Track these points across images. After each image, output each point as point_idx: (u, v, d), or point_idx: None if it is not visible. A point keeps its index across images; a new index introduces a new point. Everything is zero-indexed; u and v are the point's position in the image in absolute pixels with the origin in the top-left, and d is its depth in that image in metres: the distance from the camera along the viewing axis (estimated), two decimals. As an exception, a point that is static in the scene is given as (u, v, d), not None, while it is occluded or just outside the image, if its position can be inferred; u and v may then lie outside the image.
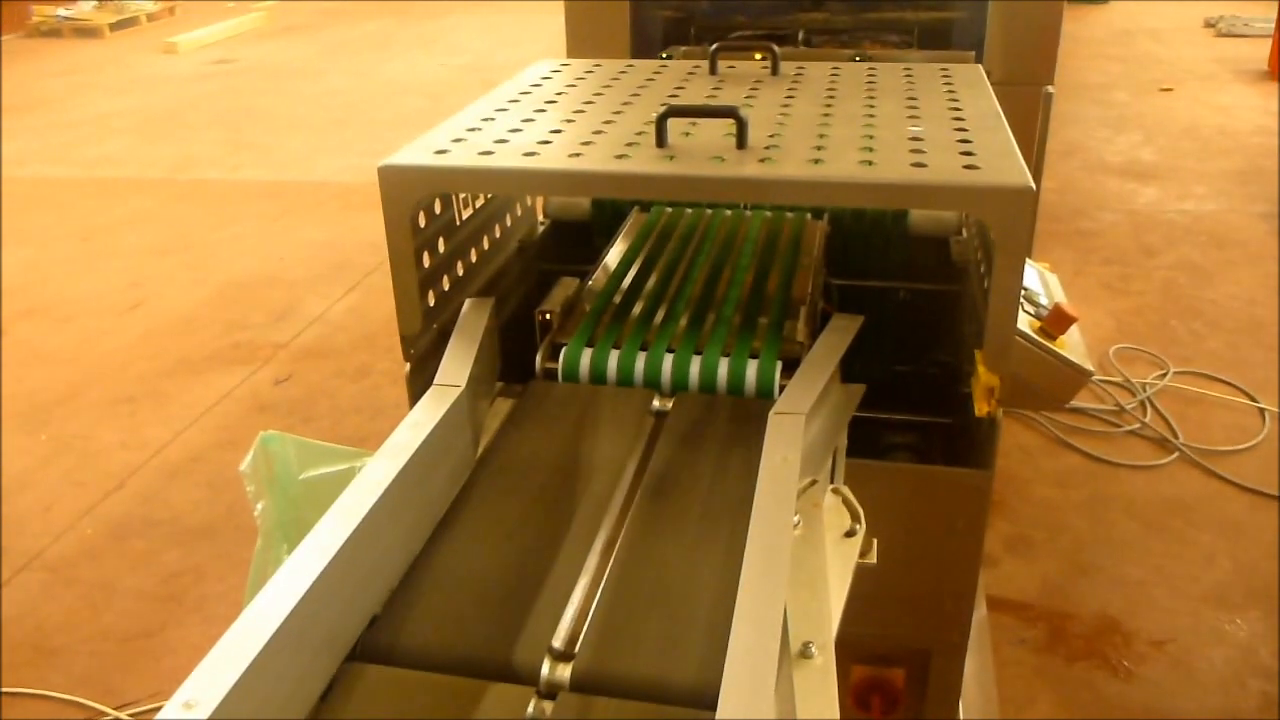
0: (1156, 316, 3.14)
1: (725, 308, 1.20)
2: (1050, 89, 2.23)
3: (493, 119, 1.24)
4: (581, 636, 0.79)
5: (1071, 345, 1.44)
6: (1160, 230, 3.79)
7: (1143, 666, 1.90)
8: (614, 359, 1.12)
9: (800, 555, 0.78)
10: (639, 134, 1.14)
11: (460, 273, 1.29)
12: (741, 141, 1.08)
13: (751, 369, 1.07)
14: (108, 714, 1.78)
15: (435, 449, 0.87)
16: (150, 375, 2.98)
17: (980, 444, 1.09)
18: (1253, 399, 2.69)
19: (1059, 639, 1.97)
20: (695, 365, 1.09)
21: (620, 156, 1.07)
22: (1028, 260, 1.71)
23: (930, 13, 2.26)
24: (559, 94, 1.36)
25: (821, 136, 1.11)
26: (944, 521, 1.13)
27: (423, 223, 1.18)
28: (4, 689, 1.86)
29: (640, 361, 1.10)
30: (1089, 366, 1.41)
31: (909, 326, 1.58)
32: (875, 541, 0.84)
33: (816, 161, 1.03)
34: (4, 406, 2.81)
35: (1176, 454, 2.48)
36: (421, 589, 0.84)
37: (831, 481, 0.91)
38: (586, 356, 1.12)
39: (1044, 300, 1.48)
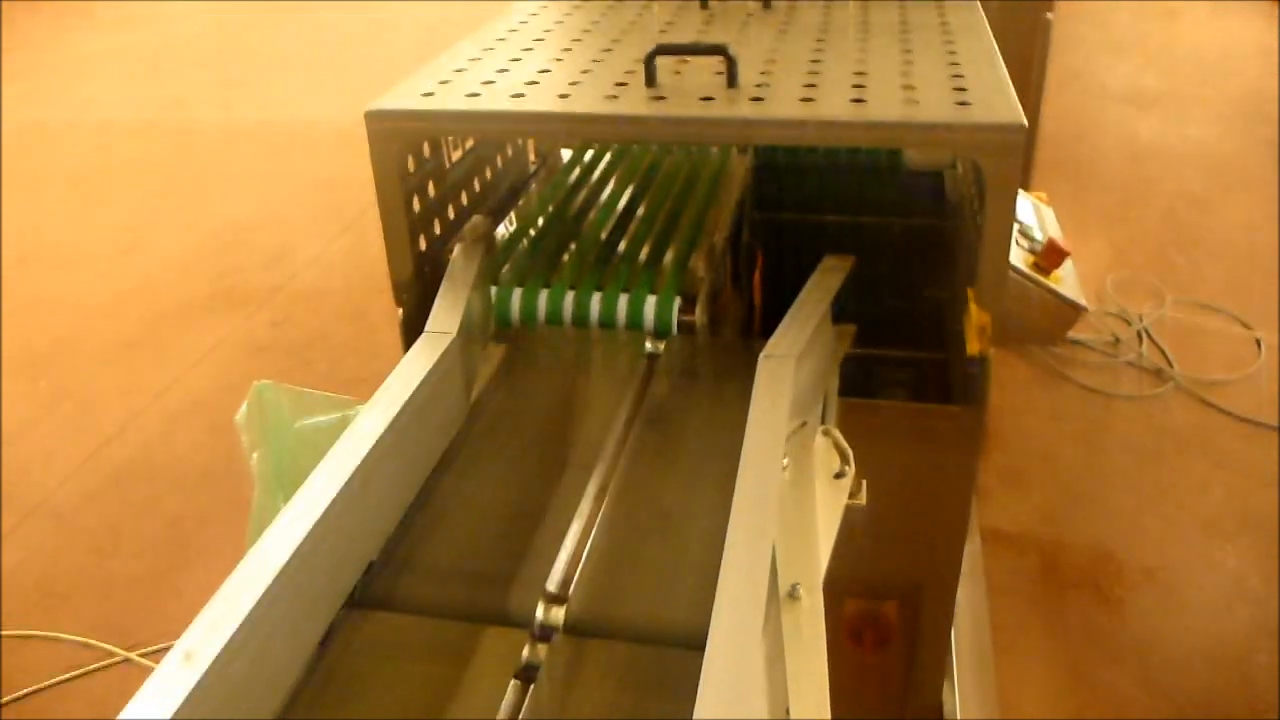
0: (1155, 245, 3.13)
1: (634, 245, 1.20)
2: (1050, 15, 2.20)
3: (479, 59, 1.22)
4: (575, 580, 0.80)
5: (1065, 279, 1.44)
6: (1161, 157, 3.76)
7: (1134, 595, 1.93)
8: (516, 296, 1.11)
9: (789, 498, 0.79)
10: (629, 72, 1.13)
11: (452, 216, 1.29)
12: (732, 80, 1.07)
13: (650, 305, 1.08)
14: (118, 655, 1.82)
15: (427, 396, 0.88)
16: (147, 320, 2.98)
17: (972, 382, 1.10)
18: (1248, 327, 2.69)
19: (1052, 569, 2.00)
20: (595, 301, 1.09)
21: (610, 98, 1.06)
22: (1022, 192, 1.70)
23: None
24: (546, 31, 1.34)
25: (813, 74, 1.10)
26: (935, 459, 1.14)
27: (411, 167, 1.17)
28: (15, 632, 1.89)
29: (542, 299, 1.10)
30: (1082, 301, 1.42)
31: (903, 261, 1.58)
32: (864, 482, 0.85)
33: (807, 100, 1.02)
34: (3, 355, 2.82)
35: (1171, 384, 2.49)
36: (418, 535, 0.85)
37: (822, 423, 0.92)
38: (516, 298, 1.12)
39: (1038, 235, 1.48)
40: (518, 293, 1.12)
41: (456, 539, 0.85)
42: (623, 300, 1.09)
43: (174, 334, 2.91)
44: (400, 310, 1.16)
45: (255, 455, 0.87)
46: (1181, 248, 3.10)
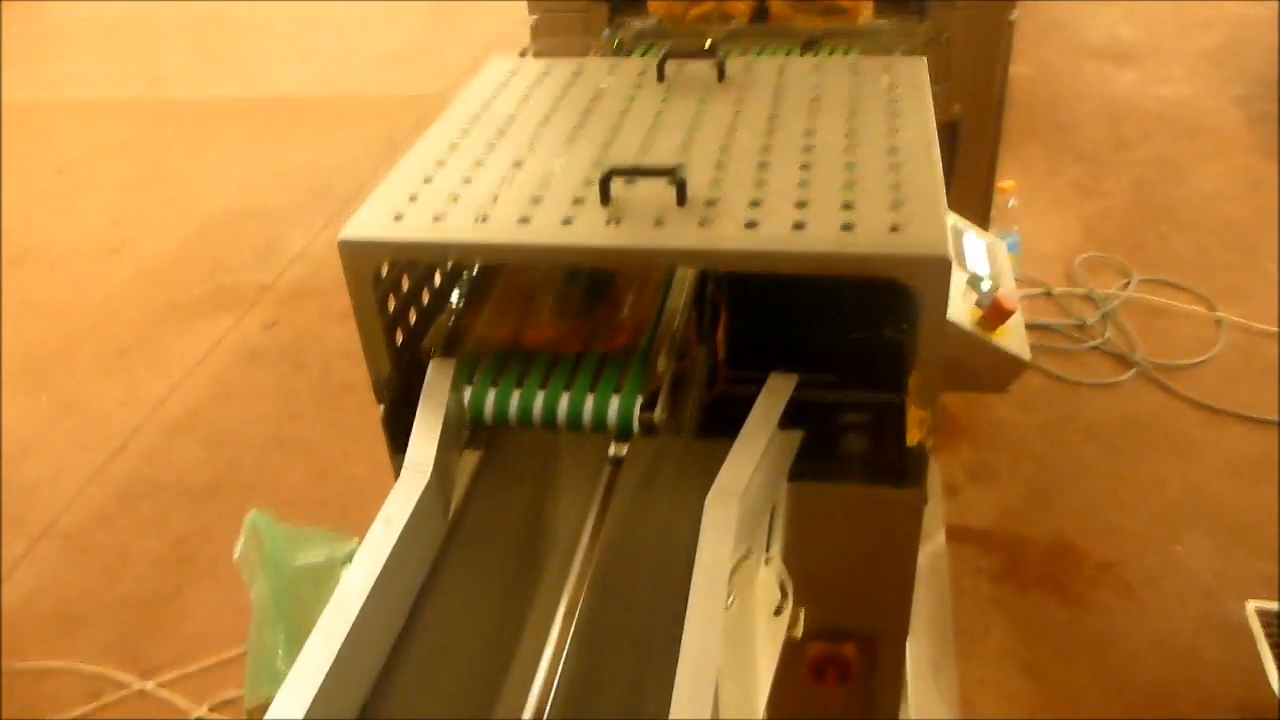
0: (1125, 219, 3.19)
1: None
2: (1013, 16, 2.23)
3: (445, 162, 1.28)
4: (548, 709, 0.90)
5: (1012, 330, 1.51)
6: (1135, 119, 3.79)
7: (1093, 591, 2.05)
8: (490, 397, 1.19)
9: (732, 636, 0.89)
10: (587, 183, 1.19)
11: (425, 300, 1.36)
12: (681, 199, 1.13)
13: (613, 406, 1.15)
14: (133, 685, 1.93)
15: (411, 538, 0.97)
16: (141, 324, 3.05)
17: (912, 466, 1.19)
18: (1212, 308, 2.77)
19: (1015, 567, 2.11)
20: (564, 401, 1.17)
21: (567, 221, 1.12)
22: (975, 230, 1.77)
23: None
24: (511, 118, 1.39)
25: (760, 185, 1.17)
26: (880, 532, 1.23)
27: (384, 272, 1.24)
28: (36, 664, 2.01)
29: (514, 399, 1.18)
30: (1026, 356, 1.49)
31: (861, 301, 1.65)
32: (802, 612, 0.94)
33: (751, 226, 1.08)
34: (4, 365, 2.89)
35: (1135, 370, 2.58)
36: (401, 670, 0.95)
37: (769, 543, 1.01)
38: (466, 394, 1.19)
39: (986, 286, 1.54)
40: (491, 394, 1.20)
41: (437, 669, 0.95)
42: (588, 401, 1.17)
43: (168, 338, 2.98)
44: (380, 405, 1.24)
45: (254, 591, 0.96)
46: (1151, 222, 3.17)
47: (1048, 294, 2.88)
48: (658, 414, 1.17)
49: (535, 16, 2.17)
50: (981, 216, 2.30)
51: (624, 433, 1.16)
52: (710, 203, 1.14)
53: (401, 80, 4.75)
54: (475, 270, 1.39)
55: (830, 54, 1.70)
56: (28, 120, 4.58)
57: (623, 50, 1.85)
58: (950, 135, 2.22)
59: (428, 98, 4.50)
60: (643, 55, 1.80)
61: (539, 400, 1.19)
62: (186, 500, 2.40)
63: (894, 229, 1.07)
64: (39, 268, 3.41)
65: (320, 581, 0.93)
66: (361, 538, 1.00)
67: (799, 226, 1.08)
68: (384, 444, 1.21)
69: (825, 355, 1.36)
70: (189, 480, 2.46)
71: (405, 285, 1.29)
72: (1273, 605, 1.94)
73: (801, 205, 1.12)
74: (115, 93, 4.88)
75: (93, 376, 2.84)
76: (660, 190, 1.16)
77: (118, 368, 2.88)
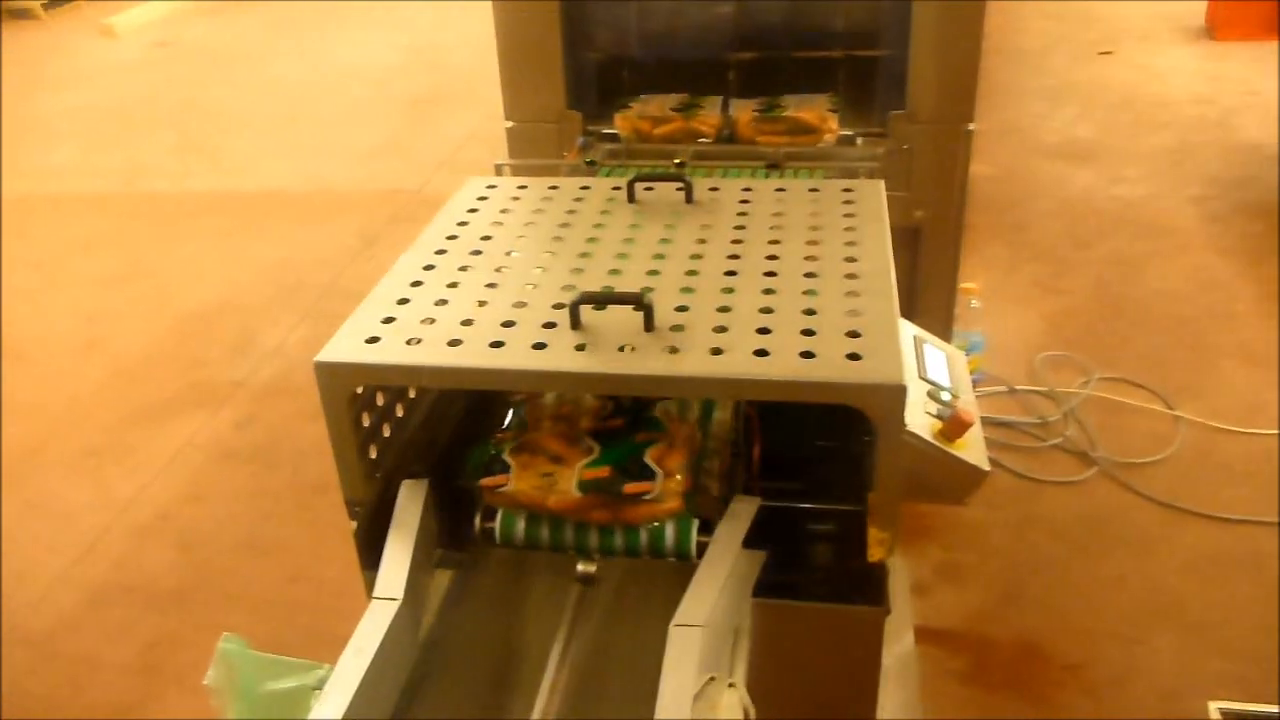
0: (1084, 318, 3.28)
1: None
2: (971, 126, 2.33)
3: (422, 283, 1.33)
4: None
5: (971, 442, 1.56)
6: (1092, 220, 3.91)
7: (1059, 693, 2.07)
8: (546, 524, 1.22)
9: (698, 764, 0.90)
10: (557, 307, 1.24)
11: (400, 414, 1.39)
12: (649, 325, 1.18)
13: (670, 532, 1.19)
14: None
15: (381, 667, 0.98)
16: (112, 424, 3.05)
17: (874, 584, 1.22)
18: (1170, 407, 2.84)
19: (983, 668, 2.13)
20: (619, 531, 1.20)
21: (538, 346, 1.16)
22: (934, 341, 1.82)
23: (854, 51, 2.35)
24: (485, 239, 1.44)
25: (724, 311, 1.21)
26: (842, 648, 1.26)
27: (360, 391, 1.27)
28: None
29: (570, 528, 1.21)
30: (985, 467, 1.53)
31: (826, 416, 1.69)
32: (765, 738, 0.96)
33: (717, 353, 1.13)
34: (-29, 464, 2.88)
35: (1096, 469, 2.63)
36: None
37: (732, 666, 1.04)
38: (520, 523, 1.23)
39: (946, 396, 1.59)
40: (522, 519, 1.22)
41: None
42: (643, 531, 1.20)
43: (139, 438, 2.98)
44: (354, 522, 1.26)
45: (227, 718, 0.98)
46: (1109, 320, 3.25)
47: (1011, 391, 2.94)
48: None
49: (511, 123, 2.25)
50: (945, 318, 2.37)
51: (683, 556, 1.18)
52: (677, 328, 1.18)
53: (378, 175, 4.84)
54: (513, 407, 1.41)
55: (795, 175, 1.76)
56: (7, 213, 4.61)
57: (596, 167, 1.91)
58: (913, 240, 2.29)
59: (404, 192, 4.59)
60: (610, 175, 1.86)
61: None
62: (155, 605, 2.38)
63: (852, 357, 1.11)
64: (11, 364, 3.41)
65: (291, 708, 0.94)
66: (333, 663, 1.02)
67: (762, 354, 1.12)
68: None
69: (792, 466, 1.40)
70: (158, 584, 2.44)
71: (380, 401, 1.33)
72: (1234, 705, 1.96)
73: (765, 332, 1.17)
74: (95, 185, 4.94)
75: (62, 476, 2.84)
76: (629, 316, 1.21)
77: (88, 468, 2.87)
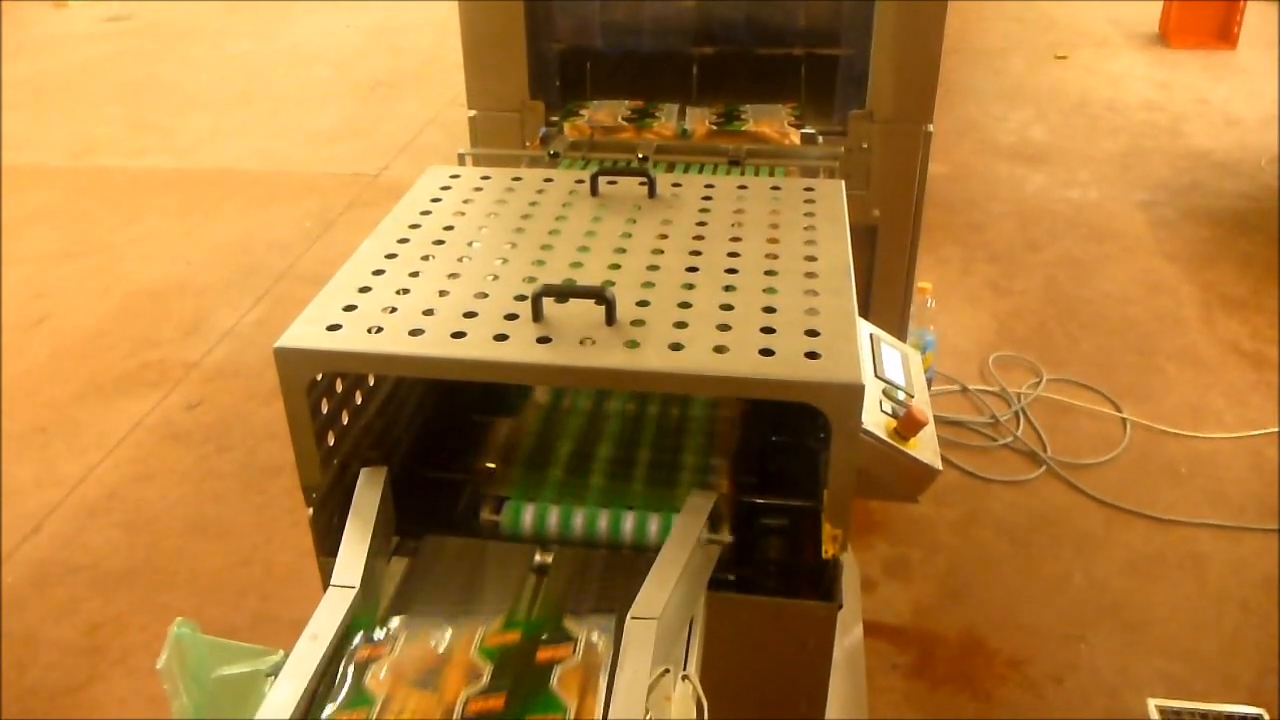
0: (1035, 319, 3.33)
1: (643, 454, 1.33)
2: (930, 128, 2.36)
3: (384, 270, 1.32)
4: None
5: (924, 441, 1.59)
6: (1045, 222, 3.98)
7: (1001, 688, 2.11)
8: (554, 515, 1.24)
9: (651, 755, 0.92)
10: (519, 299, 1.24)
11: (359, 400, 1.39)
12: (610, 319, 1.19)
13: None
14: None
15: (332, 656, 0.98)
16: (61, 401, 3.01)
17: (827, 579, 1.24)
18: (1117, 409, 2.90)
19: (928, 663, 2.17)
20: (629, 521, 1.22)
21: (499, 337, 1.17)
22: (890, 340, 1.85)
23: (816, 49, 2.37)
24: (447, 229, 1.44)
25: (685, 307, 1.22)
26: (795, 642, 1.28)
27: (319, 377, 1.26)
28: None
29: (579, 517, 1.23)
30: (938, 466, 1.56)
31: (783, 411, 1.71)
32: (718, 731, 0.98)
33: (676, 348, 1.14)
34: (-88, 440, 2.82)
35: (1044, 468, 2.69)
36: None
37: (686, 659, 1.05)
38: (529, 512, 1.24)
39: (902, 396, 1.62)
40: (554, 511, 1.24)
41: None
42: (652, 522, 1.22)
43: (89, 417, 2.94)
44: (310, 509, 1.26)
45: (175, 704, 0.97)
46: (1060, 321, 3.31)
47: (963, 390, 2.99)
48: (724, 537, 1.21)
49: (474, 112, 2.24)
50: (901, 316, 2.40)
51: None
52: (637, 323, 1.19)
53: (336, 158, 4.79)
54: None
55: (755, 173, 1.78)
56: (-48, 185, 4.52)
57: (558, 159, 1.91)
58: (870, 239, 2.32)
59: (363, 177, 4.55)
60: (572, 167, 1.86)
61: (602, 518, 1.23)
62: (100, 586, 2.35)
63: (811, 355, 1.13)
64: (-44, 339, 3.34)
65: (243, 694, 0.94)
66: (285, 649, 1.02)
67: (720, 350, 1.14)
68: (308, 529, 1.23)
69: (751, 461, 1.42)
70: (105, 565, 2.41)
71: (339, 388, 1.32)
72: (1173, 703, 2.02)
73: (725, 329, 1.18)
74: (45, 158, 4.84)
75: (8, 455, 2.79)
76: (590, 309, 1.22)
77: (36, 446, 2.82)
